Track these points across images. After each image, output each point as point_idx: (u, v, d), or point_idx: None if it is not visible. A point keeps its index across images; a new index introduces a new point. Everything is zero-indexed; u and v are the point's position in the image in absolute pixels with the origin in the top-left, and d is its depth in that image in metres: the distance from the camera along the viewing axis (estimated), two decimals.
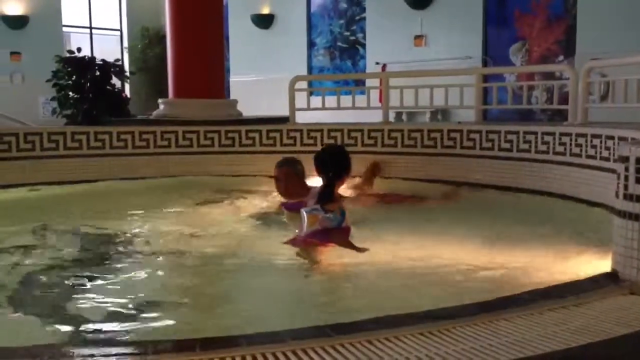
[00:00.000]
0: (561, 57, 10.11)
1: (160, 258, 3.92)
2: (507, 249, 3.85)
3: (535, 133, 6.10)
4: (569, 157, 5.66)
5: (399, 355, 1.76)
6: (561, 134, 5.80)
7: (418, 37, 11.64)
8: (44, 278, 3.50)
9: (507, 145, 6.34)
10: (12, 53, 13.64)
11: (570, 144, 5.65)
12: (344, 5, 13.00)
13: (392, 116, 9.48)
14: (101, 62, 10.85)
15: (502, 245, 3.94)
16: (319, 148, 7.15)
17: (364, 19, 12.63)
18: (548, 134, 5.95)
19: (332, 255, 3.77)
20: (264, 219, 5.10)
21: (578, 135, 5.57)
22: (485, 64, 10.77)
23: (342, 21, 13.06)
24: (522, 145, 6.20)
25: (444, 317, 2.10)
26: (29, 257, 3.97)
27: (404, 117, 11.07)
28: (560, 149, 5.78)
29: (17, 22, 13.72)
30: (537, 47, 10.34)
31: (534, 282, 3.12)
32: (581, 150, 5.50)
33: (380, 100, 8.37)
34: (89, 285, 3.35)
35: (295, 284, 3.40)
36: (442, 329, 1.96)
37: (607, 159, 5.05)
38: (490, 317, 2.08)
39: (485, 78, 8.13)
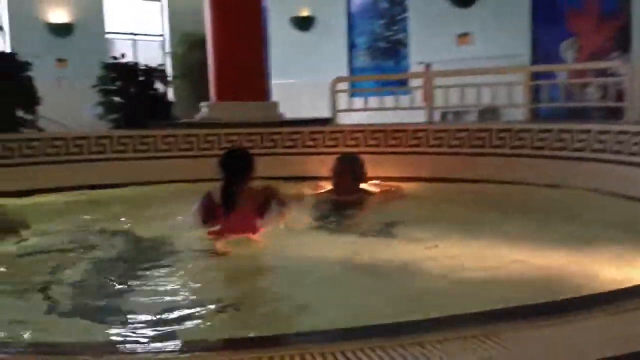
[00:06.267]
0: (615, 54, 9.79)
1: (205, 259, 3.94)
2: (561, 250, 3.74)
3: (590, 131, 5.91)
4: (626, 156, 5.46)
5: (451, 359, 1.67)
6: (618, 132, 5.61)
7: (463, 35, 11.46)
8: (90, 279, 3.57)
9: (561, 145, 6.15)
10: (58, 60, 13.93)
11: (628, 143, 5.45)
12: (384, 5, 12.90)
13: (437, 116, 9.35)
14: (145, 68, 11.00)
15: (556, 246, 3.82)
16: (361, 149, 7.12)
17: (406, 18, 12.52)
18: (604, 132, 5.76)
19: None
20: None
21: (636, 133, 5.38)
22: (534, 61, 10.52)
23: (383, 21, 12.96)
24: (576, 144, 6.02)
25: (496, 320, 2.00)
26: (78, 258, 4.05)
27: (449, 117, 10.91)
28: (617, 147, 5.58)
29: (62, 30, 14.01)
30: (589, 44, 10.05)
31: (590, 284, 3.02)
32: None
33: (424, 100, 8.26)
34: (135, 285, 3.43)
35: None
36: (492, 333, 1.86)
37: None
38: (544, 321, 1.97)
39: (536, 76, 7.93)
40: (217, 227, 4.32)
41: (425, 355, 1.70)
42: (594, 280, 3.17)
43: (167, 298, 3.15)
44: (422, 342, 1.79)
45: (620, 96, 6.55)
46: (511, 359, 1.69)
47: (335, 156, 6.21)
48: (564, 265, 3.43)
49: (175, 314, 2.87)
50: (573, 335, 1.86)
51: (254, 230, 4.30)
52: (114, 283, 3.45)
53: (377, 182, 6.68)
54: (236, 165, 4.36)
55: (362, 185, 6.15)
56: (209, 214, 4.29)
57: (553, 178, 6.11)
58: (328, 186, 6.12)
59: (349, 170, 5.87)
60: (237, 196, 4.25)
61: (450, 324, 1.98)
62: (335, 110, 7.96)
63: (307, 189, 6.12)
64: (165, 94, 12.35)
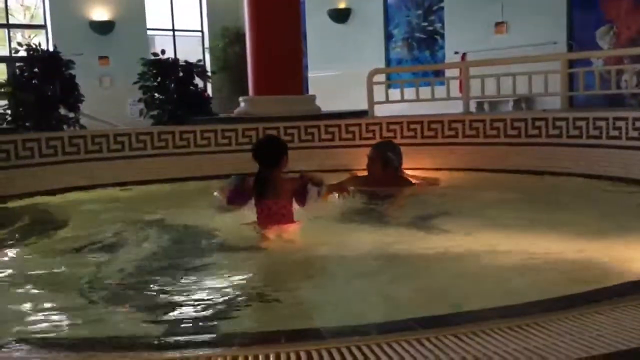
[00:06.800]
0: None
1: (243, 254, 3.99)
2: (596, 240, 3.72)
3: (626, 119, 5.84)
4: None
5: (486, 350, 1.73)
6: None
7: (499, 24, 11.33)
8: (134, 273, 3.63)
9: (596, 133, 6.10)
10: (100, 57, 14.21)
11: None
12: None
13: (473, 106, 9.31)
14: (184, 64, 11.15)
15: (591, 237, 3.80)
16: (398, 141, 7.14)
17: (442, 8, 12.42)
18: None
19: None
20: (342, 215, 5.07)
21: None
22: (570, 48, 10.36)
23: (419, 11, 12.89)
24: (612, 132, 5.96)
25: (533, 311, 2.05)
26: (119, 253, 4.12)
27: (485, 107, 10.83)
28: None
29: (104, 28, 14.28)
30: (626, 30, 9.86)
31: (626, 274, 3.01)
32: None
33: (461, 91, 8.23)
34: (176, 279, 3.45)
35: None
36: (532, 323, 1.91)
37: None
38: (581, 311, 2.01)
39: (571, 64, 7.83)
40: (252, 221, 4.38)
41: (461, 347, 1.76)
42: (631, 270, 3.16)
43: (206, 292, 3.18)
44: (458, 333, 1.85)
45: None
46: (549, 348, 1.73)
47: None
48: (599, 256, 3.43)
49: (214, 308, 2.88)
50: (607, 324, 1.89)
51: (290, 220, 4.35)
52: (154, 278, 3.49)
53: (413, 173, 6.71)
54: (267, 153, 4.37)
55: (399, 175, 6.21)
56: (238, 196, 4.34)
57: (588, 166, 6.07)
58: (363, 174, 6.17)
59: (381, 156, 5.91)
60: (270, 184, 4.28)
61: (485, 316, 2.03)
62: (372, 102, 7.99)
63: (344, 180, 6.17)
64: (204, 89, 12.50)
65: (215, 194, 4.47)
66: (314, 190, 4.26)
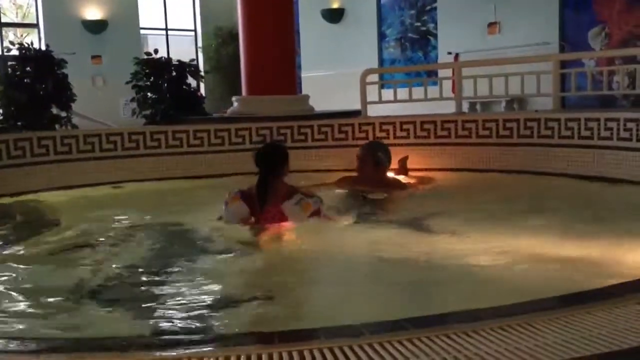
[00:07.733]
0: None
1: (237, 253, 3.99)
2: (588, 240, 3.73)
3: (618, 120, 5.87)
4: None
5: (478, 350, 1.73)
6: None
7: (492, 25, 11.35)
8: (127, 272, 3.63)
9: (588, 133, 6.12)
10: (92, 57, 14.15)
11: None
12: None
13: (465, 107, 9.32)
14: (177, 63, 11.09)
15: (584, 237, 3.82)
16: (391, 141, 7.15)
17: (435, 8, 12.42)
18: (631, 120, 5.71)
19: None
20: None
21: None
22: (562, 49, 10.40)
23: (412, 11, 12.90)
24: (603, 132, 5.98)
25: (525, 311, 2.05)
26: (112, 252, 4.12)
27: (477, 107, 10.85)
28: None
29: (97, 27, 14.22)
30: (618, 31, 9.90)
31: (618, 274, 3.02)
32: None
33: (453, 91, 8.24)
34: (170, 279, 3.45)
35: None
36: (523, 323, 1.92)
37: None
38: (572, 311, 2.02)
39: (563, 64, 7.85)
40: (251, 220, 4.44)
41: (454, 347, 1.77)
42: (623, 270, 3.17)
43: (200, 292, 3.18)
44: (450, 333, 1.85)
45: None
46: (541, 348, 1.73)
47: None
48: (592, 256, 3.44)
49: (207, 308, 2.88)
50: (603, 324, 1.90)
51: (285, 219, 4.39)
52: (147, 278, 3.49)
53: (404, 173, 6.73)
54: (269, 159, 4.48)
55: (392, 176, 6.23)
56: (251, 209, 4.42)
57: (580, 167, 6.10)
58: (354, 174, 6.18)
59: (371, 155, 5.94)
60: (270, 189, 4.38)
61: (477, 316, 2.04)
62: (365, 102, 7.99)
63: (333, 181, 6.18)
64: (197, 89, 12.46)
65: (231, 209, 4.44)
66: (294, 204, 4.31)
